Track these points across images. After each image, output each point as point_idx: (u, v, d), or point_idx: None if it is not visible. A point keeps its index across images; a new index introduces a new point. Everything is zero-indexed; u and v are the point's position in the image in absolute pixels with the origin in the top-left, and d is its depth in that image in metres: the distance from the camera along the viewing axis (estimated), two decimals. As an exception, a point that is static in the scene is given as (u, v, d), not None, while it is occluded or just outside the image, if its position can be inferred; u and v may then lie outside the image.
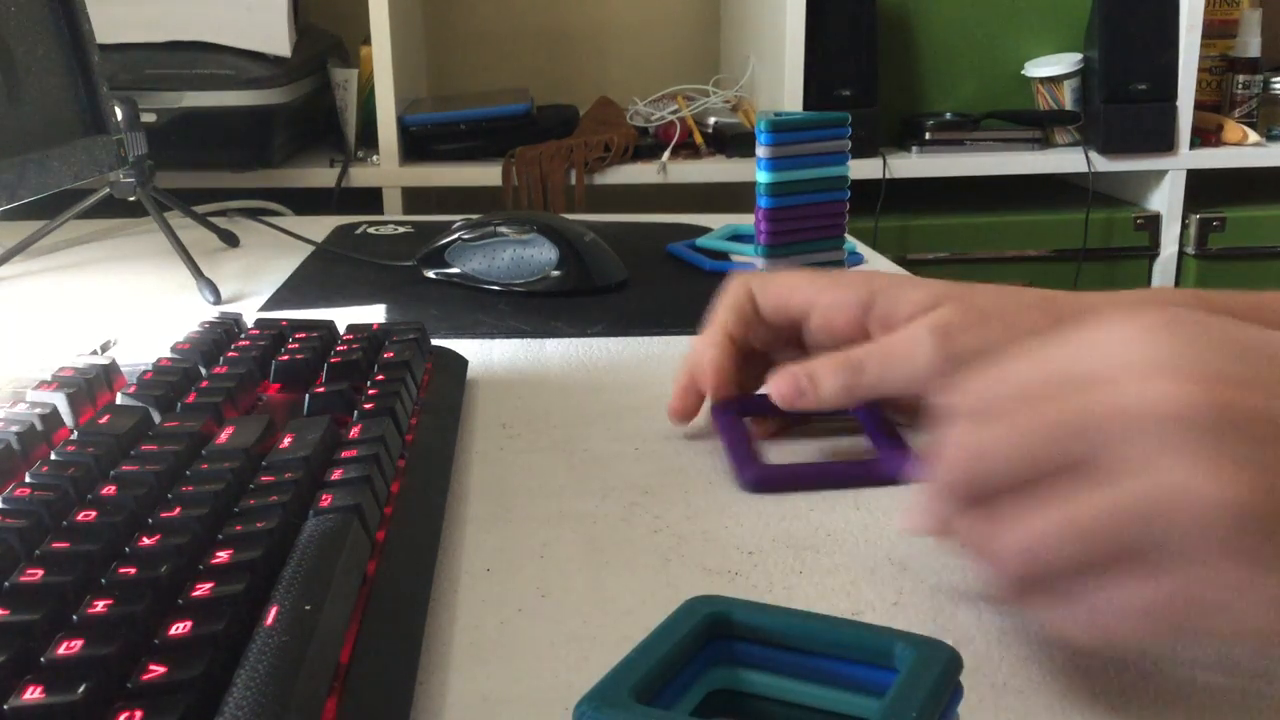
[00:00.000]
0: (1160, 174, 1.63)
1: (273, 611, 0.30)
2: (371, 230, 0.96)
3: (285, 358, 0.52)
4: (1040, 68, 1.70)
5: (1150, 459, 0.27)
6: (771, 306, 0.50)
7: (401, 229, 0.97)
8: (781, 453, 0.49)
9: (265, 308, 0.73)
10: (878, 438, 0.48)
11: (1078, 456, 0.29)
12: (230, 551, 0.33)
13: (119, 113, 0.78)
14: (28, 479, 0.37)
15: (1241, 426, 0.27)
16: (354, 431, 0.43)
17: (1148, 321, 0.30)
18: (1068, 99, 1.68)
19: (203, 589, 0.31)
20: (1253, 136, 1.64)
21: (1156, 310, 0.30)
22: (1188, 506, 0.27)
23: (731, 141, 1.53)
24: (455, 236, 0.77)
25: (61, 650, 0.28)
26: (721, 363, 0.49)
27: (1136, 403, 0.28)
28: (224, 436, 0.42)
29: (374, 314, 0.71)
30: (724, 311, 0.51)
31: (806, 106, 1.52)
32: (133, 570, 0.31)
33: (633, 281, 0.78)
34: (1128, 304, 0.46)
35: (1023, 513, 0.30)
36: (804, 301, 0.49)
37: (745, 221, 0.93)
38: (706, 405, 0.52)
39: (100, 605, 0.29)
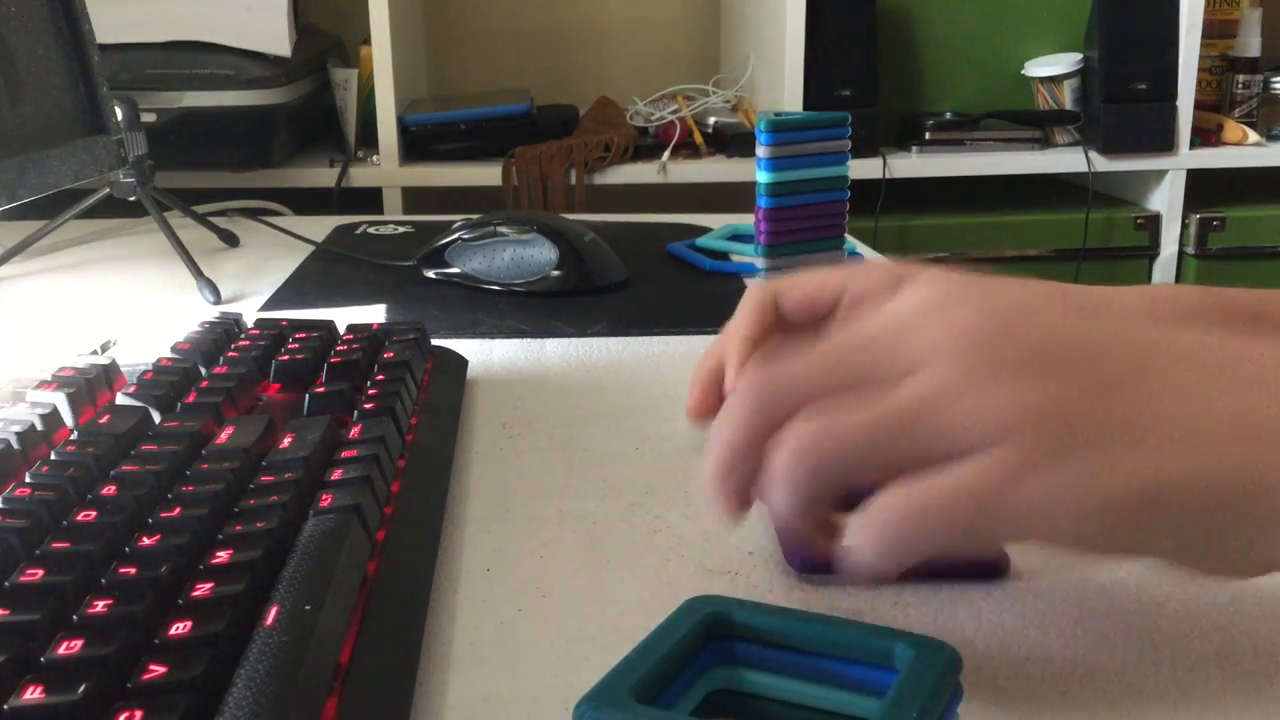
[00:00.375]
0: (1160, 174, 1.63)
1: (273, 611, 0.30)
2: (371, 230, 0.96)
3: (285, 358, 0.52)
4: (1040, 68, 1.70)
5: (939, 368, 0.29)
6: (797, 305, 0.49)
7: (401, 229, 0.97)
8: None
9: (265, 308, 0.73)
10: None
11: (860, 372, 0.30)
12: (230, 551, 0.33)
13: (119, 113, 0.78)
14: (28, 479, 0.37)
15: (1020, 341, 0.29)
16: (354, 431, 0.43)
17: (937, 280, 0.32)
18: (1068, 99, 1.68)
19: (203, 589, 0.31)
20: (1253, 136, 1.64)
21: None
22: (959, 406, 0.28)
23: (731, 141, 1.53)
24: (455, 236, 0.77)
25: (61, 650, 0.28)
26: (745, 359, 0.48)
27: (914, 321, 0.30)
28: (224, 436, 0.42)
29: (374, 314, 0.71)
30: (746, 314, 0.49)
31: (806, 106, 1.52)
32: (133, 570, 0.31)
33: (633, 281, 0.78)
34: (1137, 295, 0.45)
35: (802, 420, 0.30)
36: (836, 288, 0.48)
37: (745, 221, 0.93)
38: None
39: (100, 605, 0.29)
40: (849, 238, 0.81)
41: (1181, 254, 1.66)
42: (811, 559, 0.38)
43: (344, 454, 0.41)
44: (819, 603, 0.37)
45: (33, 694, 0.26)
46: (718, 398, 0.48)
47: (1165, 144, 1.60)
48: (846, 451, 0.29)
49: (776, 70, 1.53)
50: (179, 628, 0.29)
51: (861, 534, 0.29)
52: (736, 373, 0.45)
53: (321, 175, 1.44)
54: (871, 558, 0.29)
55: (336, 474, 0.39)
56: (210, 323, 0.56)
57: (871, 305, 0.33)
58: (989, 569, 0.38)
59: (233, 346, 0.53)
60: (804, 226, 0.70)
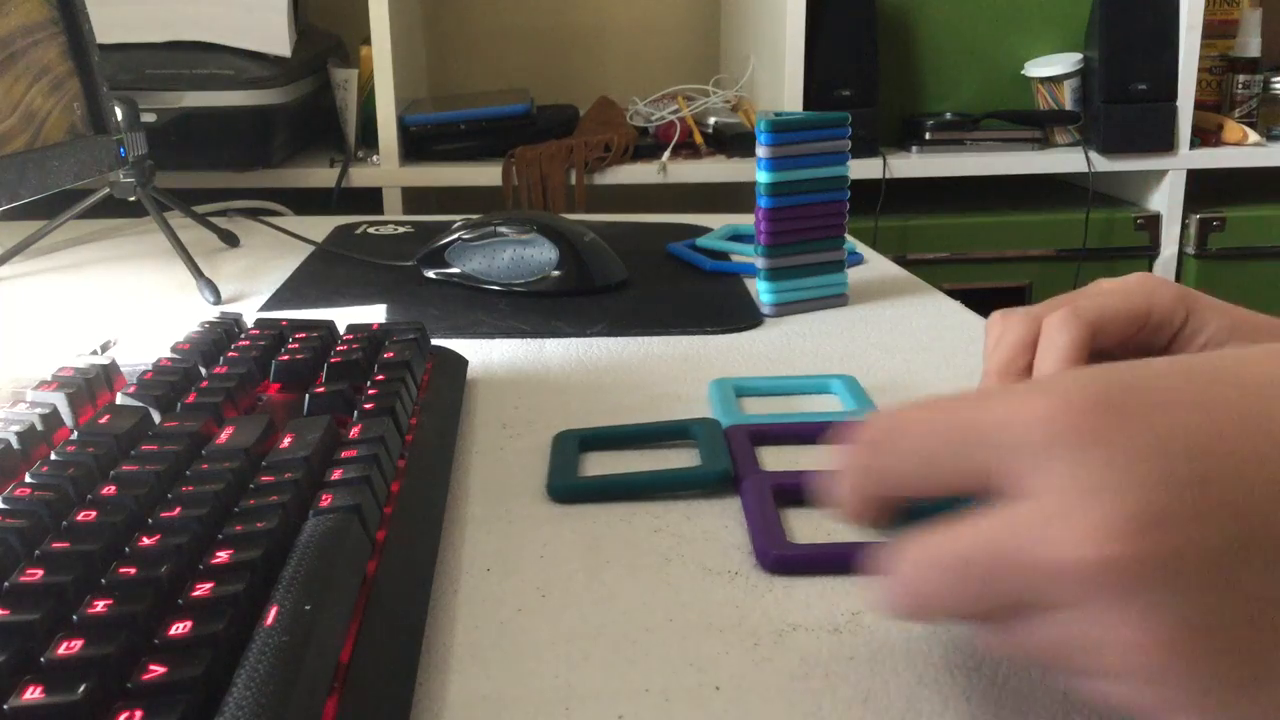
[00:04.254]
0: (1160, 174, 1.63)
1: (273, 611, 0.30)
2: (371, 230, 0.96)
3: (285, 358, 0.52)
4: (1040, 68, 1.70)
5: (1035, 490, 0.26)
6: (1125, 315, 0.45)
7: (401, 229, 0.97)
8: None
9: (265, 308, 0.73)
10: None
11: (973, 472, 0.27)
12: (230, 551, 0.33)
13: (119, 113, 0.78)
14: (28, 479, 0.37)
15: (1115, 447, 0.25)
16: (354, 431, 0.43)
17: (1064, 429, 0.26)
18: (1068, 99, 1.68)
19: (203, 589, 0.31)
20: (1253, 136, 1.64)
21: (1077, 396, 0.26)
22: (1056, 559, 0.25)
23: (731, 141, 1.53)
24: (455, 236, 0.77)
25: (61, 650, 0.28)
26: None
27: (1020, 417, 0.26)
28: (224, 436, 0.42)
29: (374, 314, 0.71)
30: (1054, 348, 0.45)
31: (806, 106, 1.52)
32: (133, 570, 0.31)
33: (633, 281, 0.78)
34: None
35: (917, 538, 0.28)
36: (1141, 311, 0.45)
37: (745, 221, 0.93)
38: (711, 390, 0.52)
39: (100, 605, 0.29)
40: (849, 238, 0.81)
41: (1181, 254, 1.66)
42: (783, 559, 0.39)
43: (344, 454, 0.41)
44: (819, 602, 0.37)
45: (33, 694, 0.26)
46: None
47: (1165, 144, 1.60)
48: (948, 585, 0.27)
49: (776, 70, 1.53)
50: (179, 628, 0.29)
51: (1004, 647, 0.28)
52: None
53: (321, 175, 1.44)
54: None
55: (336, 474, 0.39)
56: (210, 323, 0.56)
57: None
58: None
59: (233, 346, 0.53)
60: (804, 226, 0.70)
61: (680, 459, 0.48)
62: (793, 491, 0.44)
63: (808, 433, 0.50)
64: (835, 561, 0.39)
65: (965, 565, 0.27)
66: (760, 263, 0.70)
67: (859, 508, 0.31)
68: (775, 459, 0.48)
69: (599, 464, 0.48)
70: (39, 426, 0.41)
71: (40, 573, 0.31)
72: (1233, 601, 0.24)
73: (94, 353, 0.54)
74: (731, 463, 0.46)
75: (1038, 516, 0.26)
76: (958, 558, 0.27)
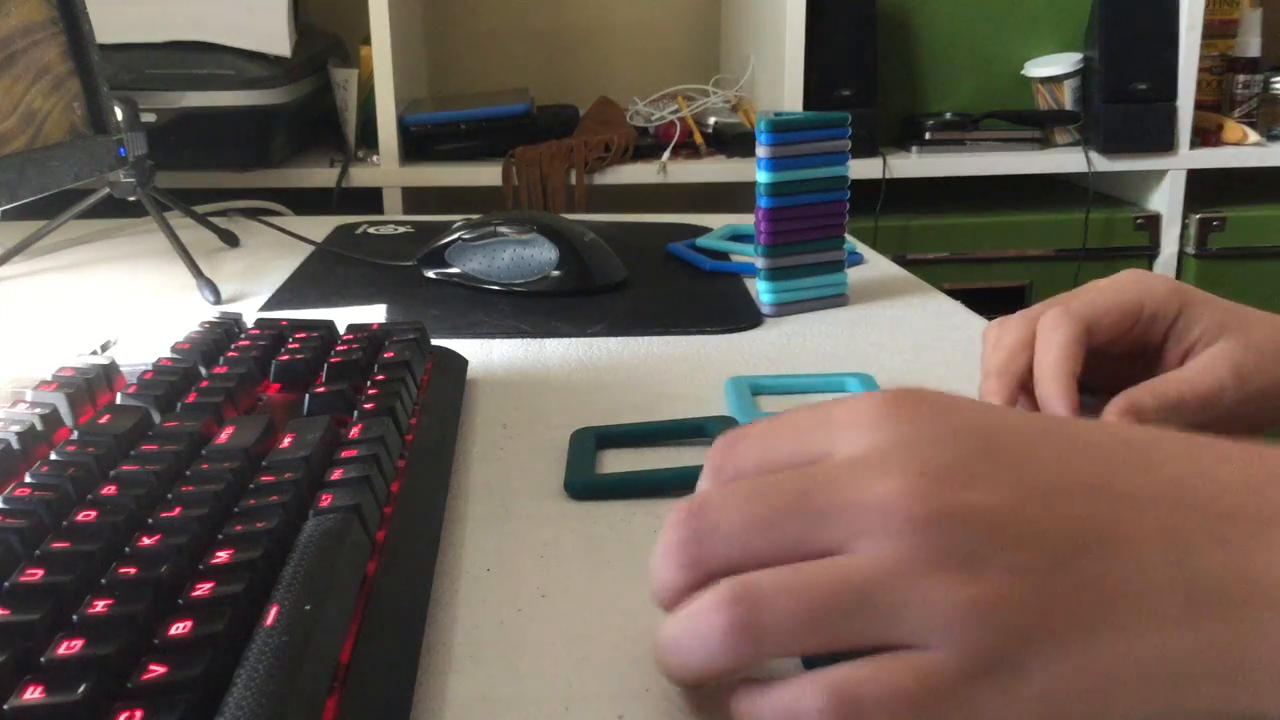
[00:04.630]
0: (1160, 174, 1.63)
1: (273, 611, 0.30)
2: (371, 230, 0.96)
3: (285, 358, 0.52)
4: (1040, 68, 1.70)
5: (875, 547, 0.27)
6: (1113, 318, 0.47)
7: (401, 229, 0.97)
8: None
9: (265, 308, 0.73)
10: None
11: (803, 539, 0.28)
12: (230, 551, 0.33)
13: (119, 113, 0.78)
14: (28, 479, 0.37)
15: (959, 524, 0.27)
16: (354, 431, 0.43)
17: (881, 407, 0.30)
18: (1068, 99, 1.68)
19: (203, 589, 0.31)
20: (1253, 136, 1.64)
21: (891, 395, 0.30)
22: (896, 595, 0.26)
23: (731, 141, 1.53)
24: (455, 236, 0.77)
25: (61, 650, 0.28)
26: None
27: (863, 497, 0.28)
28: (224, 436, 0.42)
29: (374, 314, 0.71)
30: (1057, 353, 0.46)
31: (806, 106, 1.52)
32: (133, 570, 0.31)
33: (633, 281, 0.78)
34: None
35: (739, 583, 0.28)
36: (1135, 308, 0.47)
37: (745, 221, 0.93)
38: (716, 387, 0.51)
39: (100, 605, 0.29)
40: (849, 238, 0.81)
41: (1181, 254, 1.66)
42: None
43: (344, 454, 0.41)
44: (819, 603, 0.37)
45: (33, 694, 0.26)
46: None
47: (1165, 144, 1.60)
48: (783, 630, 0.27)
49: (776, 70, 1.53)
50: (179, 628, 0.29)
51: (804, 708, 0.27)
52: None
53: (321, 175, 1.44)
54: None
55: (336, 474, 0.39)
56: (210, 323, 0.56)
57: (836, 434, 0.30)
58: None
59: (233, 346, 0.53)
60: (804, 226, 0.70)
61: (698, 457, 0.48)
62: None
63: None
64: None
65: (783, 507, 0.29)
66: (760, 263, 0.70)
67: (674, 597, 0.30)
68: None
69: (616, 462, 0.48)
70: (39, 426, 0.41)
71: (40, 573, 0.31)
72: (1018, 563, 0.27)
73: (94, 353, 0.54)
74: None
75: (845, 467, 0.29)
76: (770, 506, 0.29)
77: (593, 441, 0.49)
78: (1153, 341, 0.47)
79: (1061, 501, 0.27)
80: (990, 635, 0.26)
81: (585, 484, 0.45)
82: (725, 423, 0.50)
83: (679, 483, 0.45)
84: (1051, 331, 0.46)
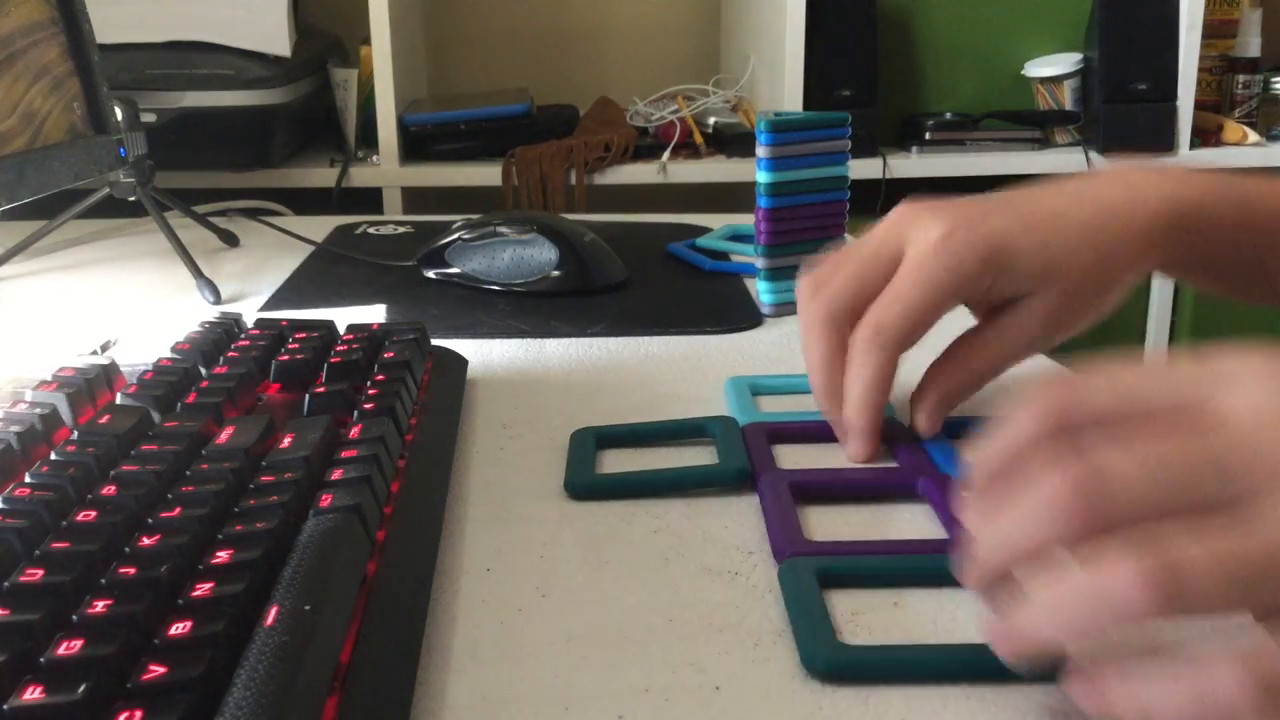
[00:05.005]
0: (1160, 174, 1.63)
1: (273, 611, 0.30)
2: (371, 230, 0.96)
3: (285, 358, 0.52)
4: (1040, 68, 1.70)
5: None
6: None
7: (401, 229, 0.97)
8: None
9: (265, 308, 0.73)
10: (948, 519, 0.41)
11: (1213, 497, 0.27)
12: (230, 551, 0.33)
13: (119, 113, 0.78)
14: (28, 479, 0.37)
15: None
16: (354, 431, 0.43)
17: (1270, 363, 0.28)
18: (1068, 99, 1.68)
19: (203, 589, 0.31)
20: (1253, 136, 1.64)
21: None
22: None
23: (731, 141, 1.53)
24: (455, 236, 0.77)
25: (61, 650, 0.28)
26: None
27: (1259, 428, 0.27)
28: (224, 436, 0.42)
29: (374, 314, 0.71)
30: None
31: (806, 106, 1.52)
32: (133, 570, 0.31)
33: (633, 281, 0.78)
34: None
35: (1158, 541, 0.27)
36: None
37: (745, 221, 0.93)
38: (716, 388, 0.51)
39: (100, 605, 0.29)
40: (849, 238, 0.81)
41: (1181, 254, 1.66)
42: (800, 557, 0.39)
43: (344, 454, 0.41)
44: (838, 600, 0.37)
45: (33, 694, 0.26)
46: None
47: (1165, 144, 1.60)
48: (1204, 592, 0.26)
49: (776, 70, 1.53)
50: (179, 628, 0.29)
51: (1118, 587, 0.26)
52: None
53: (321, 175, 1.44)
54: (1132, 611, 0.27)
55: (336, 474, 0.39)
56: (210, 323, 0.56)
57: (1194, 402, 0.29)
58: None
59: (233, 346, 0.53)
60: (804, 226, 0.70)
61: (698, 457, 0.48)
62: (809, 489, 0.44)
63: (824, 431, 0.50)
64: (845, 551, 0.40)
65: (1192, 469, 0.27)
66: (760, 263, 0.70)
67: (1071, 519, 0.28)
68: (792, 457, 0.48)
69: (616, 462, 0.48)
70: (39, 426, 0.41)
71: (40, 573, 0.31)
72: None
73: (94, 353, 0.54)
74: (749, 461, 0.46)
75: (1251, 424, 0.27)
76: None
77: (593, 442, 0.49)
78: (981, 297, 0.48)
79: None
80: None
81: (585, 484, 0.45)
82: (726, 423, 0.50)
83: (679, 483, 0.45)
84: (860, 367, 0.46)
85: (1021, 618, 0.29)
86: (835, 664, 0.33)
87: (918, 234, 0.47)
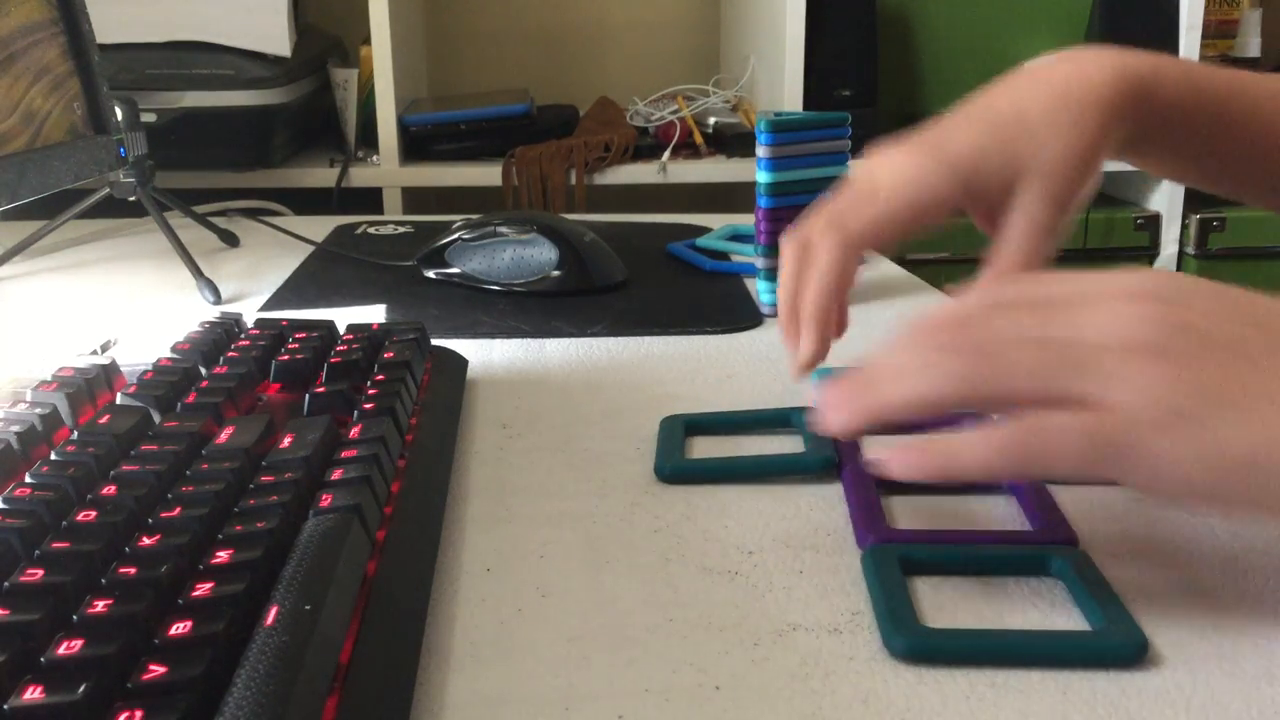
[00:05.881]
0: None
1: (273, 611, 0.30)
2: (371, 230, 0.96)
3: (285, 358, 0.52)
4: (1040, 68, 1.69)
5: (1104, 330, 0.34)
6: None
7: (401, 229, 0.97)
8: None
9: (265, 308, 0.73)
10: (1028, 504, 0.43)
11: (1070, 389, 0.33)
12: (230, 551, 0.33)
13: (119, 113, 0.78)
14: (28, 479, 0.37)
15: (1178, 331, 0.33)
16: (354, 431, 0.43)
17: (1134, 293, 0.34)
18: (1068, 99, 1.68)
19: (203, 589, 0.31)
20: (1253, 136, 1.63)
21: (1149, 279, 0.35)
22: (1125, 369, 0.33)
23: (731, 141, 1.53)
24: (455, 236, 0.77)
25: (61, 650, 0.28)
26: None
27: (1106, 301, 0.34)
28: (224, 436, 0.42)
29: (374, 314, 0.71)
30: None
31: (806, 106, 1.52)
32: (133, 570, 0.31)
33: (633, 281, 0.78)
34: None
35: (1029, 416, 0.34)
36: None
37: (745, 221, 0.93)
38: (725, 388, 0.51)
39: (100, 605, 0.29)
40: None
41: (1181, 254, 1.66)
42: (881, 537, 0.40)
43: (344, 454, 0.41)
44: (819, 602, 0.37)
45: (33, 694, 0.26)
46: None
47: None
48: (1019, 369, 0.34)
49: (776, 70, 1.53)
50: (179, 628, 0.29)
51: (991, 440, 0.34)
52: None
53: (321, 175, 1.44)
54: (994, 462, 0.34)
55: (336, 474, 0.39)
56: (210, 323, 0.56)
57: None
58: (1061, 538, 0.40)
59: (233, 346, 0.53)
60: (804, 226, 0.69)
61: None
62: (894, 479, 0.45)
63: (909, 423, 0.49)
64: (928, 539, 0.40)
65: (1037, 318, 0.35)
66: (760, 263, 0.70)
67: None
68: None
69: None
70: (39, 426, 0.41)
71: (40, 573, 0.31)
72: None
73: (94, 353, 0.54)
74: (835, 450, 0.47)
75: (1093, 291, 0.35)
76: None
77: (681, 428, 0.50)
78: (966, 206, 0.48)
79: (1262, 328, 0.33)
80: (1180, 398, 0.32)
81: (675, 468, 0.46)
82: (809, 414, 0.50)
83: (767, 470, 0.47)
84: (818, 254, 0.47)
85: (920, 451, 0.36)
86: (916, 647, 0.34)
87: (884, 170, 0.48)
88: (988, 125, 0.48)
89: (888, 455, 0.36)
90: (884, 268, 0.84)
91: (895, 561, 0.38)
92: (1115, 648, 0.33)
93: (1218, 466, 0.31)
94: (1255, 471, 0.31)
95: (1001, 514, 0.43)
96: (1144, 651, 0.33)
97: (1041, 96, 0.47)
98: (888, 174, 0.48)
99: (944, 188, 0.47)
